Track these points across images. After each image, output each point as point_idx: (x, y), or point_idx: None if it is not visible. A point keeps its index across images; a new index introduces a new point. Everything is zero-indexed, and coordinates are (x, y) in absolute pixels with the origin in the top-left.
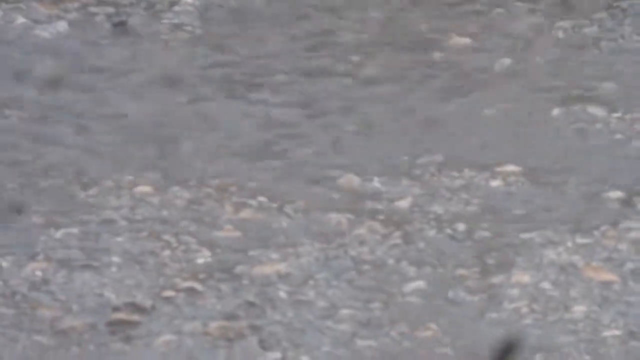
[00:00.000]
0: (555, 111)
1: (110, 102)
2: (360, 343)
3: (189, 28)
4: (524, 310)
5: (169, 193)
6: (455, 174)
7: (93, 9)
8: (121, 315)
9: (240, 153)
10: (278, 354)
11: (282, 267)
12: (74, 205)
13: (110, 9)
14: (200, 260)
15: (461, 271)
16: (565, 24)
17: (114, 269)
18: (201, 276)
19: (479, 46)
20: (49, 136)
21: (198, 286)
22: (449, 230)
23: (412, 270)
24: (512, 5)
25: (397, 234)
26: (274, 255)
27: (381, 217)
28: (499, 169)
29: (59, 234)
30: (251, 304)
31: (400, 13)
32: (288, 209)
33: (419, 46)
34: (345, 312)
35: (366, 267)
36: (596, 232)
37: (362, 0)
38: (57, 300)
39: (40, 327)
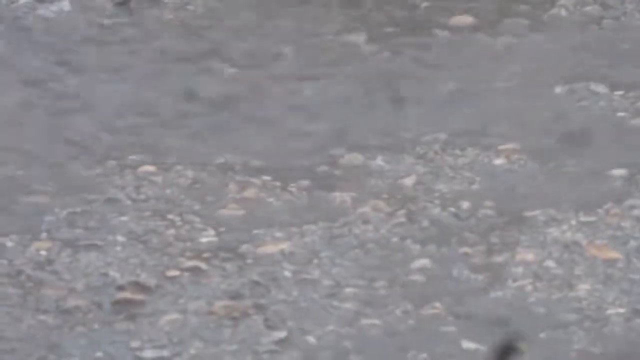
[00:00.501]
0: (558, 89)
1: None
2: (364, 321)
3: (190, 7)
4: (528, 288)
5: (173, 172)
6: (458, 152)
7: None
8: (126, 295)
9: (245, 131)
10: (283, 333)
11: (286, 246)
12: (78, 184)
13: None
14: (205, 240)
15: (465, 249)
16: (568, 2)
17: (118, 248)
18: (205, 255)
19: (480, 25)
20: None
21: (202, 265)
22: (452, 209)
23: (416, 249)
24: None
25: (401, 212)
26: (278, 234)
27: (385, 195)
28: (502, 147)
29: (63, 213)
30: (256, 283)
31: None
32: (292, 187)
33: (420, 24)
34: (349, 290)
35: (370, 245)
36: (600, 210)
37: None
38: (62, 279)
39: (45, 307)
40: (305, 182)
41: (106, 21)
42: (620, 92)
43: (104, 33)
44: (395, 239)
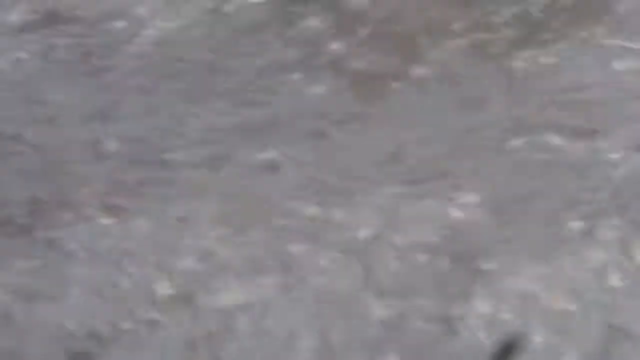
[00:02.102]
0: (516, 140)
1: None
2: None
3: (148, 59)
4: (484, 340)
5: (130, 223)
6: (415, 203)
7: (54, 40)
8: (82, 346)
9: (204, 184)
10: None
11: (242, 297)
12: (35, 236)
13: (71, 40)
14: (161, 291)
15: (421, 301)
16: (525, 53)
17: (73, 299)
18: (161, 306)
19: (438, 75)
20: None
21: (158, 316)
22: (409, 260)
23: (372, 300)
24: (471, 35)
25: (358, 264)
26: (234, 285)
27: (342, 246)
28: (459, 200)
29: (18, 264)
30: (212, 334)
31: (358, 39)
32: (248, 238)
33: (378, 75)
34: (305, 342)
35: (326, 296)
36: (556, 261)
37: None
38: (18, 330)
39: (1, 359)
40: (261, 234)
41: (65, 72)
42: (579, 144)
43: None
44: (351, 291)
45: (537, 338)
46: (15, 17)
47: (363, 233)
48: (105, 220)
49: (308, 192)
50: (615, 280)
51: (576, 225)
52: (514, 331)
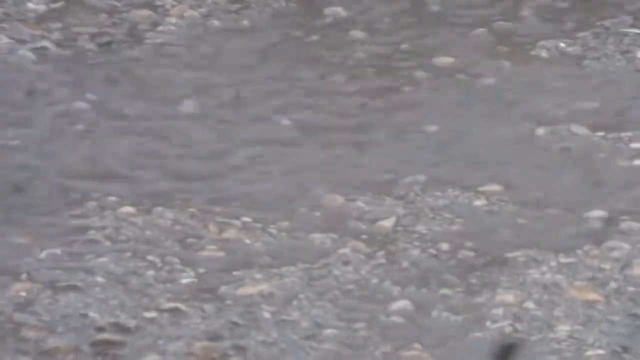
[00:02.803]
0: (539, 130)
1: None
2: None
3: (172, 48)
4: (508, 329)
5: (153, 213)
6: (438, 193)
7: (76, 29)
8: (105, 336)
9: (225, 172)
10: None
11: (265, 287)
12: (58, 225)
13: (94, 29)
14: (184, 281)
15: (445, 291)
16: (549, 43)
17: (97, 289)
18: (185, 296)
19: (461, 65)
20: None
21: (182, 306)
22: (432, 250)
23: (396, 290)
24: (494, 25)
25: (381, 253)
26: (258, 276)
27: (365, 236)
28: (482, 189)
29: (43, 254)
30: (235, 324)
31: (382, 27)
32: (272, 229)
33: (401, 65)
34: (329, 332)
35: (350, 286)
36: (579, 252)
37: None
38: (42, 320)
39: (24, 348)
40: (284, 224)
41: (89, 61)
42: (601, 134)
43: (85, 73)
44: (374, 280)
45: (562, 328)
46: (37, 5)
47: (385, 222)
48: (129, 210)
49: (332, 182)
50: (639, 270)
51: (600, 215)
52: (512, 334)
